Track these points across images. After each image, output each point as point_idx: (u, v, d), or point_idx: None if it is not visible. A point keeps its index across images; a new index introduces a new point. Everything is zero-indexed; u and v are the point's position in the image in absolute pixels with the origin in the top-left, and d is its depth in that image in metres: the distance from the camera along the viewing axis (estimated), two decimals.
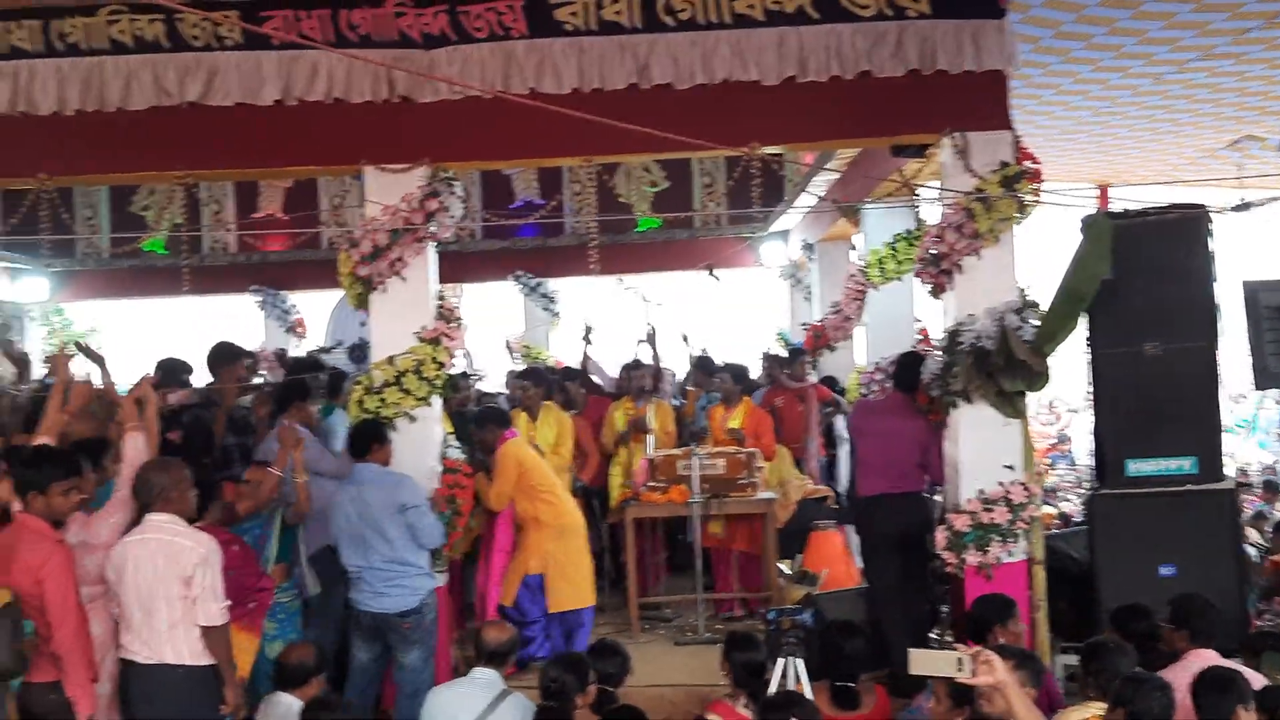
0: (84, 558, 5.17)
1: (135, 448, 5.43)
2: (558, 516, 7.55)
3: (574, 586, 7.55)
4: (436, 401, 6.87)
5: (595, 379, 10.51)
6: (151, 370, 7.33)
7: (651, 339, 10.36)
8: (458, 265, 11.91)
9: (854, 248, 11.31)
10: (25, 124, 6.66)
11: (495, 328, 13.73)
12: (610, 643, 5.77)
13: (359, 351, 10.45)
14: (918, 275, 7.02)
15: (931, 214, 8.06)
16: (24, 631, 4.80)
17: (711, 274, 11.72)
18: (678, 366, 10.88)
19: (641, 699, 5.43)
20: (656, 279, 13.81)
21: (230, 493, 6.14)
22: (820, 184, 9.88)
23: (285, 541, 6.43)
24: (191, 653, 5.08)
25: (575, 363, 10.83)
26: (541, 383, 8.87)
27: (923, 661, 3.74)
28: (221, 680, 5.16)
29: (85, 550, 5.19)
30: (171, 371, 7.32)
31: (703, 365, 10.08)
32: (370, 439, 6.39)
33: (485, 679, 5.50)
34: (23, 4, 6.56)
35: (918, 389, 7.10)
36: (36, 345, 13.06)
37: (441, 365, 6.71)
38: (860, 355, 10.81)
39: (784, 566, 8.19)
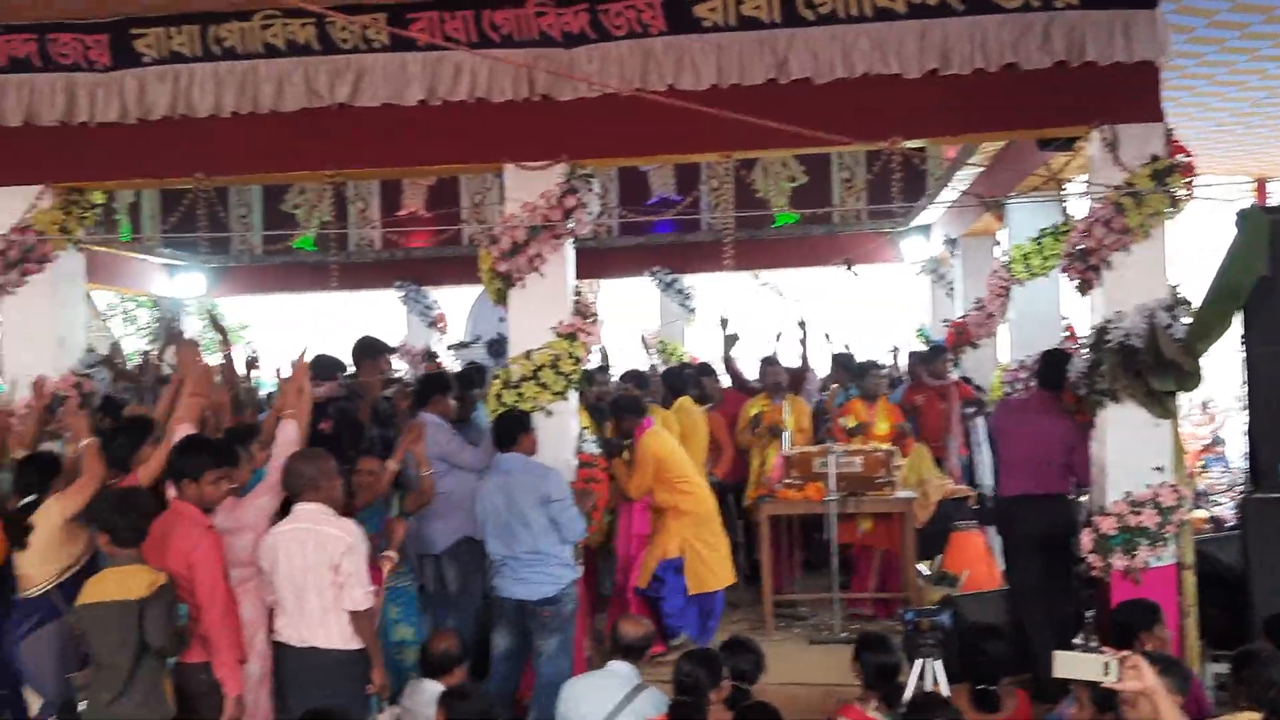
0: (233, 541, 5.34)
1: (287, 435, 5.60)
2: (696, 504, 7.67)
3: (712, 570, 7.65)
4: (573, 396, 6.94)
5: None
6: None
7: (802, 336, 10.28)
8: (594, 261, 12.01)
9: (998, 243, 11.07)
10: (184, 126, 6.93)
11: (631, 323, 13.82)
12: (744, 639, 5.76)
13: (498, 346, 10.65)
14: (1064, 271, 6.83)
15: (1079, 208, 7.84)
16: (180, 614, 5.00)
17: (850, 269, 11.60)
18: (820, 363, 10.77)
19: (775, 697, 5.38)
20: (793, 275, 13.74)
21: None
22: (964, 178, 9.69)
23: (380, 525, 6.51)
24: (341, 637, 5.24)
25: (713, 358, 10.81)
26: (644, 384, 8.88)
27: (1068, 664, 3.64)
28: (369, 663, 5.32)
29: (233, 533, 5.36)
30: (325, 367, 7.53)
31: (843, 363, 10.00)
32: (516, 429, 6.48)
33: (622, 672, 5.53)
34: (182, 10, 6.82)
35: (1063, 387, 6.91)
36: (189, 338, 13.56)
37: (578, 360, 6.78)
38: (1004, 353, 10.57)
39: (923, 567, 8.07)
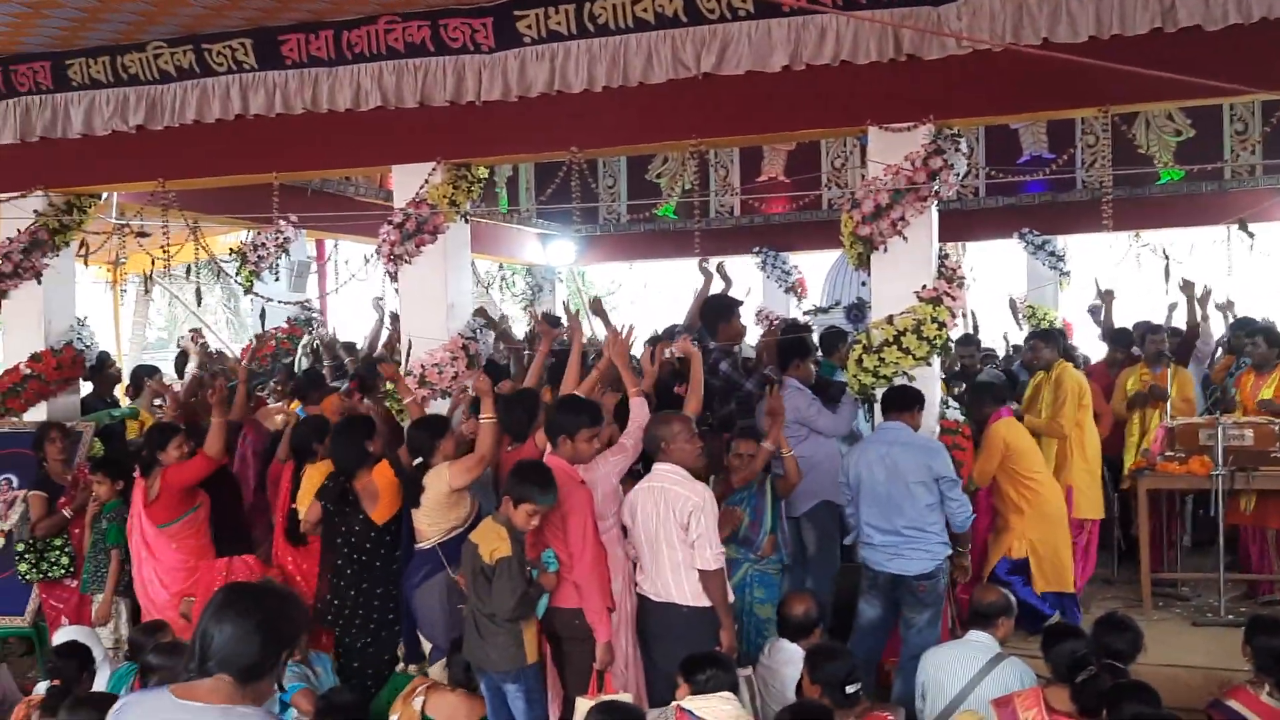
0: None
1: (640, 409, 5.83)
2: (1040, 504, 7.23)
3: (1056, 573, 7.24)
4: (936, 362, 6.79)
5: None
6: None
7: (1189, 301, 9.57)
8: (959, 223, 11.69)
9: None
10: (560, 102, 7.26)
11: (998, 287, 13.36)
12: (1120, 617, 5.46)
13: (857, 311, 10.55)
14: None
15: None
16: (528, 577, 5.24)
17: (1244, 230, 10.69)
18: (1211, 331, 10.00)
19: (1153, 678, 5.09)
20: (1178, 235, 12.83)
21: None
22: None
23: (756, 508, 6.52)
24: (693, 594, 5.41)
25: (1087, 324, 10.27)
26: (1052, 342, 8.47)
27: None
28: (720, 622, 5.45)
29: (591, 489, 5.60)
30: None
31: (1243, 327, 9.21)
32: (914, 401, 6.39)
33: (981, 641, 5.41)
34: None
35: None
36: (560, 304, 14.29)
37: (942, 325, 6.61)
38: None
39: None
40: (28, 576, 7.26)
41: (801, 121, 7.10)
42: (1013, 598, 5.68)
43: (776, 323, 11.41)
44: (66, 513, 7.28)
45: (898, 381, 6.60)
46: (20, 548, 7.26)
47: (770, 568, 6.37)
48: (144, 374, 9.65)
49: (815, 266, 14.46)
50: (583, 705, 5.21)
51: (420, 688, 5.65)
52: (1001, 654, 5.36)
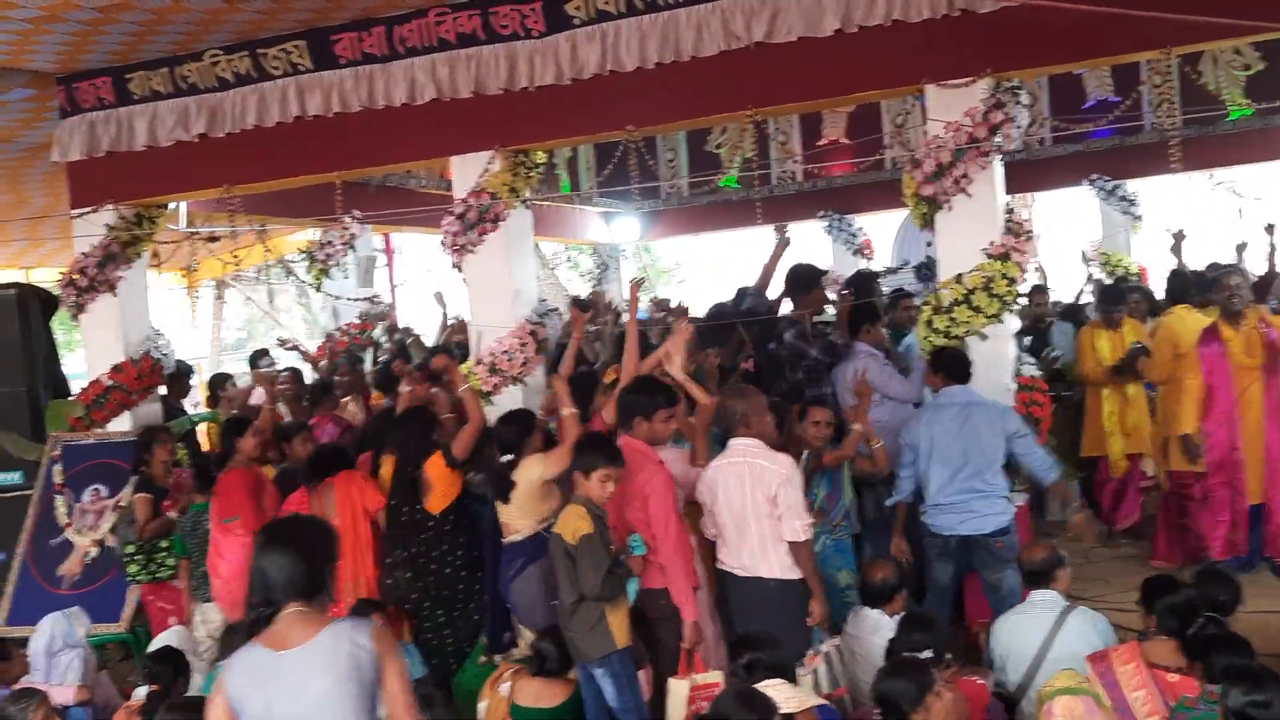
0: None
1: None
2: None
3: None
4: (1009, 319, 6.69)
5: None
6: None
7: (1270, 240, 9.29)
8: (1026, 174, 11.49)
9: None
10: (613, 81, 7.25)
11: (1070, 236, 13.12)
12: (1220, 569, 5.37)
13: (926, 270, 10.42)
14: None
15: None
16: (612, 554, 5.23)
17: None
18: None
19: (1246, 625, 4.98)
20: (1251, 172, 12.50)
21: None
22: None
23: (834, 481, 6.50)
24: (781, 566, 5.40)
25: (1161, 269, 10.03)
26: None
27: None
28: (809, 593, 5.44)
29: None
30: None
31: None
32: (968, 368, 6.33)
33: (1044, 599, 5.34)
34: None
35: None
36: (625, 282, 14.29)
37: (1012, 281, 6.51)
38: None
39: None
40: (138, 578, 7.44)
41: (857, 85, 7.03)
42: (1062, 550, 5.59)
43: (844, 288, 11.30)
44: (172, 514, 7.45)
45: (970, 341, 6.52)
46: (130, 549, 7.44)
47: (844, 535, 6.37)
48: (219, 382, 9.84)
49: (883, 227, 14.32)
50: (675, 686, 5.25)
51: (507, 673, 5.71)
52: (1069, 605, 5.30)
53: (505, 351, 7.58)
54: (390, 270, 14.77)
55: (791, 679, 4.83)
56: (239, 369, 12.48)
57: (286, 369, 9.54)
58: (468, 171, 7.70)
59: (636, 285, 7.05)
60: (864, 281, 8.49)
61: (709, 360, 6.72)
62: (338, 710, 3.26)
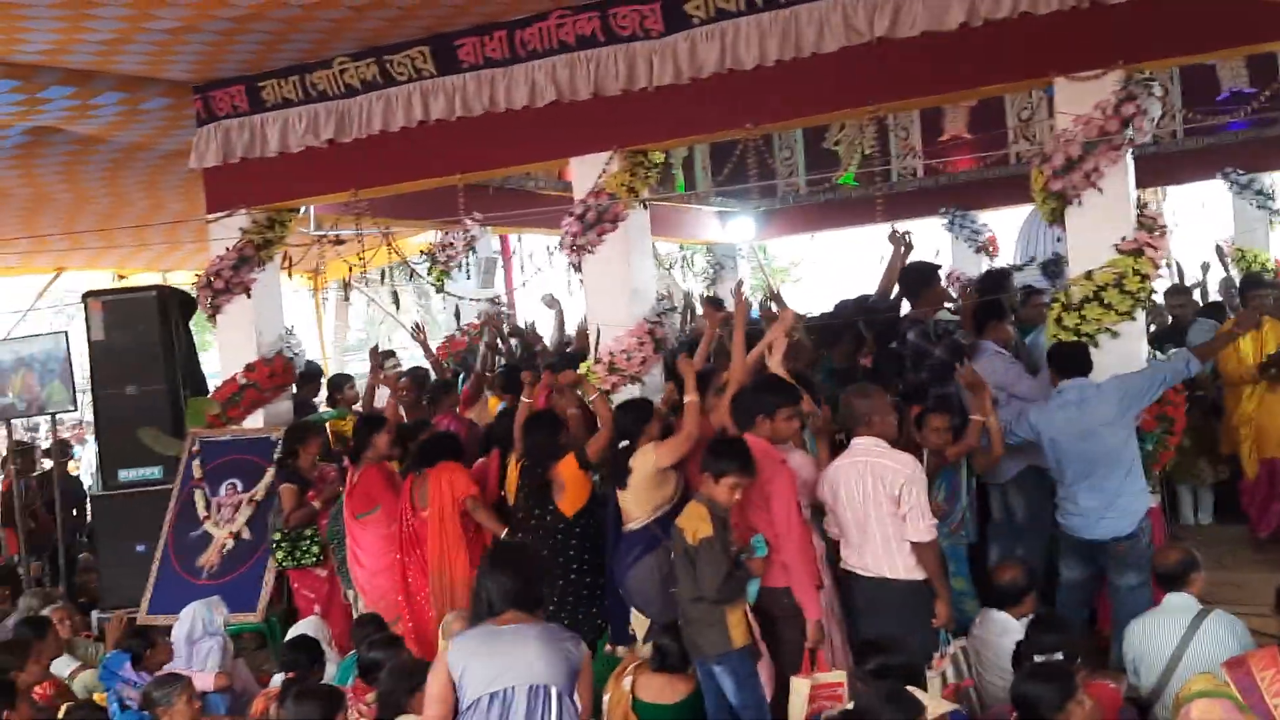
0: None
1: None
2: None
3: None
4: (1140, 316, 6.52)
5: None
6: None
7: None
8: (1158, 167, 11.17)
9: None
10: (732, 80, 7.22)
11: (1204, 231, 12.72)
12: None
13: (1053, 267, 10.21)
14: None
15: None
16: (733, 557, 5.23)
17: None
18: None
19: None
20: None
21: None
22: None
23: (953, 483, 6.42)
24: (905, 567, 5.34)
25: None
26: None
27: None
28: (934, 594, 5.37)
29: None
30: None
31: None
32: (1085, 361, 6.21)
33: (1178, 603, 5.20)
34: None
35: None
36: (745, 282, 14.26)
37: (1145, 278, 6.33)
38: None
39: None
40: (284, 564, 7.69)
41: (982, 79, 6.91)
42: (1196, 553, 5.43)
43: (969, 284, 11.13)
44: (316, 504, 7.69)
45: (1101, 339, 6.37)
46: (276, 537, 7.69)
47: (960, 542, 6.29)
48: (340, 383, 10.10)
49: (1007, 223, 14.05)
50: (797, 685, 5.22)
51: (630, 667, 5.75)
52: (1204, 609, 5.15)
53: (624, 350, 7.62)
54: (508, 272, 14.95)
55: (920, 684, 4.78)
56: (360, 369, 12.74)
57: (407, 371, 9.75)
58: (586, 172, 7.76)
59: (740, 288, 7.03)
60: (996, 279, 8.34)
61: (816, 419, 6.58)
62: (549, 673, 3.93)
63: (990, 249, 13.58)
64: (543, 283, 11.76)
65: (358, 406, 9.37)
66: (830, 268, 20.22)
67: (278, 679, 6.06)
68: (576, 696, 4.00)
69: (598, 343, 7.76)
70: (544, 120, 7.79)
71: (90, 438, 13.82)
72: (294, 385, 9.46)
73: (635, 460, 5.90)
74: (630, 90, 7.51)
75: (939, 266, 7.94)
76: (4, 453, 11.25)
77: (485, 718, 3.89)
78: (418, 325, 10.49)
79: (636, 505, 5.94)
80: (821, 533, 5.71)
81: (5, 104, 8.10)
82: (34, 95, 8.02)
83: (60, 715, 5.77)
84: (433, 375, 9.28)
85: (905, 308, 7.71)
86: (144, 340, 9.10)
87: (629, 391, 7.55)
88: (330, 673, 6.19)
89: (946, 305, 7.75)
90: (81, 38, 7.14)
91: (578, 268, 7.94)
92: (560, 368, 8.07)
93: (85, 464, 15.16)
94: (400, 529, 6.89)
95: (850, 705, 4.61)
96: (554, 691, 3.92)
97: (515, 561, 4.13)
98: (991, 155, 11.87)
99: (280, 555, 7.66)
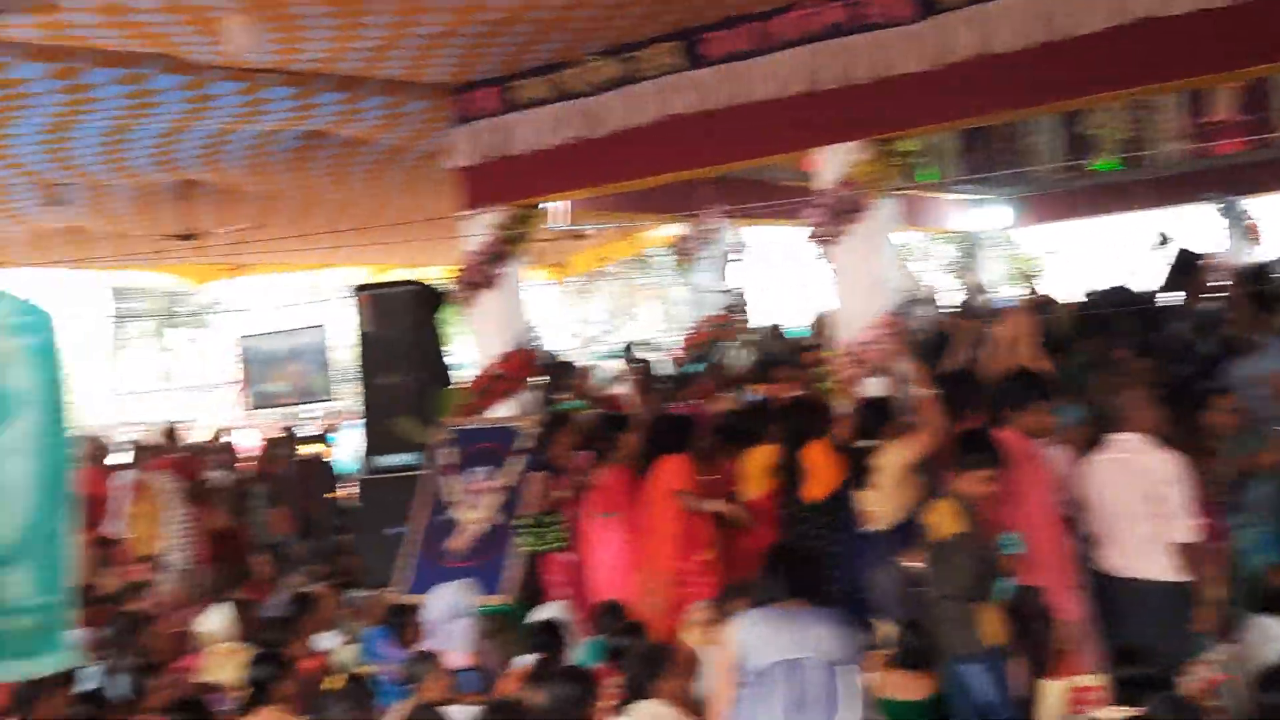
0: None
1: None
2: None
3: None
4: None
5: None
6: None
7: None
8: None
9: None
10: (984, 65, 6.98)
11: None
12: None
13: None
14: None
15: None
16: (985, 555, 5.10)
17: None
18: None
19: None
20: None
21: None
22: None
23: None
24: (1162, 568, 5.15)
25: None
26: None
27: None
28: (1196, 597, 5.09)
29: None
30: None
31: None
32: None
33: None
34: None
35: None
36: (991, 272, 13.84)
37: None
38: None
39: None
40: (535, 548, 7.92)
41: (1256, 57, 6.50)
42: None
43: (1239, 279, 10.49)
44: (565, 493, 7.89)
45: None
46: (524, 523, 7.96)
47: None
48: (581, 373, 10.34)
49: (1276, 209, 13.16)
50: (1050, 687, 5.05)
51: (870, 663, 5.67)
52: None
53: (870, 342, 7.51)
54: (747, 265, 14.93)
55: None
56: (598, 361, 12.99)
57: (640, 360, 9.90)
58: (833, 162, 7.67)
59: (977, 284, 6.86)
60: (1260, 271, 7.85)
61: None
62: (837, 650, 4.59)
63: (1251, 236, 12.72)
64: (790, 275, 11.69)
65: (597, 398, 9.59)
66: (1083, 257, 19.38)
67: (525, 659, 6.24)
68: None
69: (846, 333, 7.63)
70: (790, 111, 7.73)
71: (344, 425, 14.61)
72: (540, 376, 9.72)
73: (879, 459, 5.82)
74: (878, 78, 7.38)
75: (1201, 256, 7.56)
76: (277, 436, 12.03)
77: (775, 686, 4.44)
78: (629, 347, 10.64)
79: (879, 505, 5.85)
80: (1075, 531, 5.51)
81: (282, 110, 8.63)
82: (307, 101, 8.51)
83: (329, 686, 6.11)
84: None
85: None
86: (396, 334, 9.54)
87: (870, 386, 7.43)
88: (573, 656, 6.35)
89: (1213, 295, 7.35)
90: (352, 45, 7.53)
91: (825, 258, 7.86)
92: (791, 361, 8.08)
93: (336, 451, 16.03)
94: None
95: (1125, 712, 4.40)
96: (838, 669, 4.50)
97: (796, 558, 4.68)
98: (1261, 138, 11.10)
99: (529, 540, 7.89)
